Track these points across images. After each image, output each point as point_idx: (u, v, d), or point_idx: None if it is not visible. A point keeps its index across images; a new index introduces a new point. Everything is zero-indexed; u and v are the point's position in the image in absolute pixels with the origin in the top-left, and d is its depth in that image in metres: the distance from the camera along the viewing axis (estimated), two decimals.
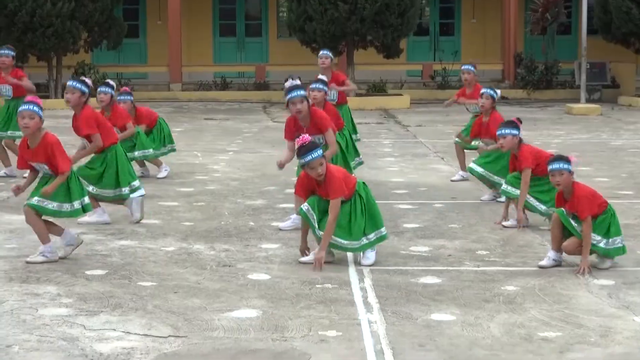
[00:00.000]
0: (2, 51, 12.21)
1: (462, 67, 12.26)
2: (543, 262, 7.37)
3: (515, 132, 8.84)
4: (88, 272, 7.16)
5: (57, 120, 19.93)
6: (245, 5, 30.19)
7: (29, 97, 7.76)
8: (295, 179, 8.19)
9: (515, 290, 6.73)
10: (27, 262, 7.41)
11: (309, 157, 7.29)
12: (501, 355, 5.39)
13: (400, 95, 24.82)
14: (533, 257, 7.67)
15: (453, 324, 5.96)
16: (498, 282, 6.96)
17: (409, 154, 14.63)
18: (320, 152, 7.34)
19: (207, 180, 11.85)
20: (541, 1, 25.98)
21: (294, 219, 8.70)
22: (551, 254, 7.41)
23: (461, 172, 11.72)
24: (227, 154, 14.48)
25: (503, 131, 8.85)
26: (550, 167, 7.40)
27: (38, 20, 22.34)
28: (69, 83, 8.94)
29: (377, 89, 25.41)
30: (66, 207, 7.56)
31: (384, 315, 6.11)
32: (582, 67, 22.68)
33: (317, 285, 6.83)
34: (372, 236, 7.49)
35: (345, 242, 7.39)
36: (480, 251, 7.97)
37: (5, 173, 12.10)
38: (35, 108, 7.41)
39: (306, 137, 7.39)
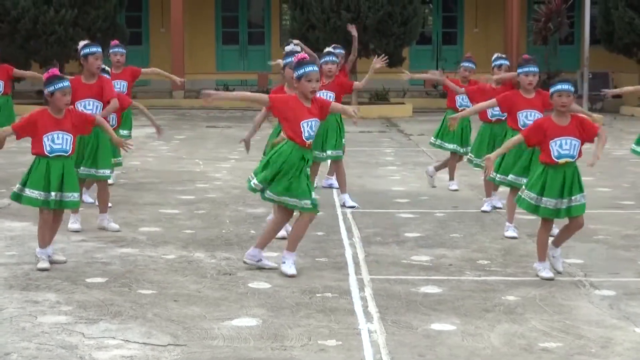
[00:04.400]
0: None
1: (465, 64, 11.52)
2: (543, 274, 7.35)
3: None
4: (88, 280, 7.15)
5: None
6: (247, 13, 30.24)
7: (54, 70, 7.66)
8: None
9: (516, 300, 6.72)
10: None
11: (310, 68, 7.25)
12: None
13: (403, 104, 24.84)
14: (534, 267, 7.64)
15: (453, 334, 5.94)
16: (499, 292, 6.94)
17: (410, 162, 14.62)
18: (317, 67, 7.35)
19: (209, 188, 11.85)
20: (544, 11, 26.01)
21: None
22: (545, 264, 7.38)
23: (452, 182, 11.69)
24: (229, 162, 14.48)
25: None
26: (561, 87, 7.23)
27: (41, 27, 22.39)
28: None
29: (379, 97, 25.43)
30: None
31: (384, 325, 6.09)
32: (584, 77, 22.71)
33: (317, 295, 6.81)
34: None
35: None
36: (481, 261, 7.96)
37: None
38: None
39: (303, 55, 7.46)
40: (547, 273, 7.30)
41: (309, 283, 7.12)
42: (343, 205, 10.37)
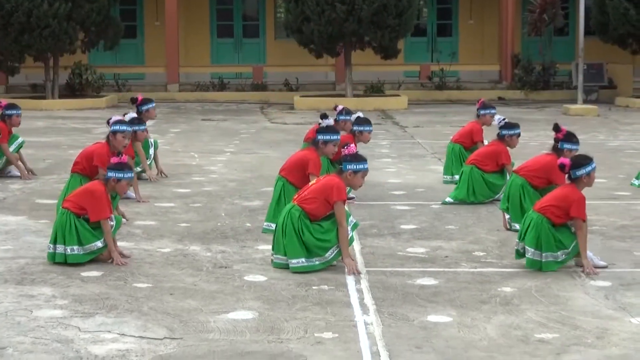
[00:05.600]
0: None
1: (492, 111, 11.38)
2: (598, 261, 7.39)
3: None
4: (83, 274, 7.14)
5: (53, 120, 19.92)
6: (242, 6, 30.16)
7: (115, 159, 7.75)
8: None
9: (511, 291, 6.72)
10: None
11: (366, 165, 7.42)
12: (497, 356, 5.37)
13: (398, 96, 24.80)
14: None
15: (449, 325, 5.94)
16: (495, 283, 6.95)
17: (406, 155, 14.62)
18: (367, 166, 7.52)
19: (204, 181, 11.83)
20: (538, 2, 25.97)
21: None
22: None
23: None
24: (225, 155, 14.45)
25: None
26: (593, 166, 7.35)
27: (35, 20, 22.31)
28: (126, 128, 9.47)
29: (374, 89, 25.41)
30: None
31: (381, 317, 6.09)
32: (579, 68, 22.68)
33: (314, 287, 6.81)
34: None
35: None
36: (477, 252, 7.96)
37: None
38: None
39: (353, 147, 7.50)
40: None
41: (305, 275, 7.11)
42: None
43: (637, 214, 9.67)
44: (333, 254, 7.29)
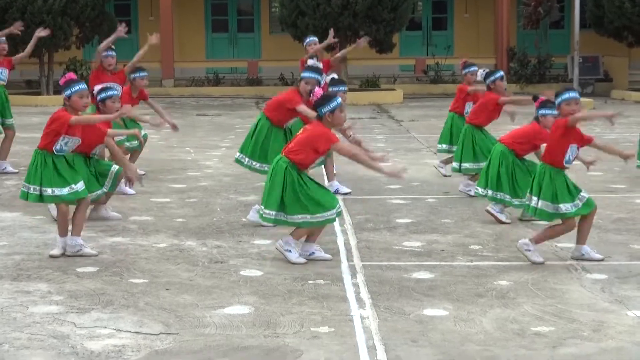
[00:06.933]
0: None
1: (472, 69, 11.75)
2: (535, 257, 7.35)
3: None
4: (79, 269, 7.13)
5: (48, 116, 19.87)
6: (237, 0, 30.13)
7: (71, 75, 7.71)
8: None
9: (508, 285, 6.72)
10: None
11: (337, 102, 7.36)
12: (494, 350, 5.37)
13: (393, 90, 24.80)
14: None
15: (446, 319, 5.94)
16: (491, 277, 6.94)
17: (402, 148, 14.61)
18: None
19: (200, 176, 11.82)
20: None
21: (255, 208, 8.75)
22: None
23: (443, 165, 11.71)
24: (220, 150, 14.44)
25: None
26: (572, 95, 7.55)
27: (29, 16, 22.26)
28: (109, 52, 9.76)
29: (370, 83, 25.39)
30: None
31: (377, 311, 6.09)
32: (574, 61, 22.70)
33: (310, 282, 6.80)
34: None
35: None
36: (473, 246, 7.96)
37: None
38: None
39: (319, 91, 7.52)
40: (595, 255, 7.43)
41: (301, 270, 7.11)
42: (336, 192, 10.34)
43: (633, 207, 9.68)
44: (301, 220, 7.31)
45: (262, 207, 7.45)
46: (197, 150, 14.36)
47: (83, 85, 7.55)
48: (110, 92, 8.64)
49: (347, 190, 10.43)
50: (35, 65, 24.10)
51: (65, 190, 7.45)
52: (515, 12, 28.26)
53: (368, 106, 22.78)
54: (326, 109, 7.34)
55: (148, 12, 28.94)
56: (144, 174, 11.44)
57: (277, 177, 7.34)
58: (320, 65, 11.06)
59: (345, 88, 10.31)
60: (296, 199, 7.28)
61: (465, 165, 10.32)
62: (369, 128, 17.84)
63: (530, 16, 26.20)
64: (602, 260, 7.35)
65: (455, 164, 10.48)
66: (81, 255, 7.45)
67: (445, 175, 11.57)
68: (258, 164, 9.19)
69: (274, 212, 7.33)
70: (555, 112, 8.02)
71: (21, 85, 26.00)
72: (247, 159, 9.24)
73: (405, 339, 5.55)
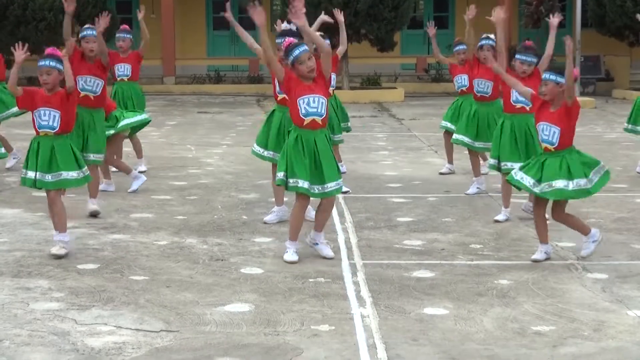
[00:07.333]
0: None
1: (461, 47, 11.96)
2: (536, 256, 7.35)
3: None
4: (80, 266, 7.13)
5: None
6: None
7: (48, 50, 7.87)
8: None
9: (508, 284, 6.72)
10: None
11: (297, 51, 7.34)
12: (494, 349, 5.37)
13: (394, 88, 24.80)
14: (527, 251, 7.65)
15: (446, 318, 5.94)
16: (491, 276, 6.95)
17: (402, 147, 14.61)
18: (306, 46, 7.43)
19: (201, 174, 11.82)
20: None
21: (277, 212, 8.73)
22: (542, 247, 7.38)
23: (448, 165, 11.73)
24: (221, 148, 14.44)
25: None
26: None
27: (30, 13, 22.29)
28: (90, 33, 9.73)
29: (371, 82, 25.40)
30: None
31: (377, 310, 6.09)
32: (576, 61, 22.69)
33: (310, 280, 6.81)
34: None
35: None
36: (474, 245, 7.96)
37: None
38: (52, 62, 7.80)
39: (290, 39, 7.61)
40: (540, 255, 7.33)
41: (301, 268, 7.11)
42: None
43: (634, 207, 9.68)
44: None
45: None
46: (198, 148, 14.36)
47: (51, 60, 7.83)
48: (83, 32, 9.68)
49: (346, 189, 10.41)
50: (36, 62, 24.10)
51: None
52: (517, 11, 28.25)
53: (369, 104, 22.78)
54: (291, 59, 7.40)
55: (149, 10, 28.85)
56: (145, 171, 11.45)
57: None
58: (294, 27, 10.01)
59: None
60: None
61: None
62: (370, 126, 17.84)
63: (532, 15, 26.19)
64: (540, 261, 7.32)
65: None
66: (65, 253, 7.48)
67: (441, 173, 11.65)
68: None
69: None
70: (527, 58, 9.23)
71: (22, 82, 25.99)
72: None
73: (405, 338, 5.55)
